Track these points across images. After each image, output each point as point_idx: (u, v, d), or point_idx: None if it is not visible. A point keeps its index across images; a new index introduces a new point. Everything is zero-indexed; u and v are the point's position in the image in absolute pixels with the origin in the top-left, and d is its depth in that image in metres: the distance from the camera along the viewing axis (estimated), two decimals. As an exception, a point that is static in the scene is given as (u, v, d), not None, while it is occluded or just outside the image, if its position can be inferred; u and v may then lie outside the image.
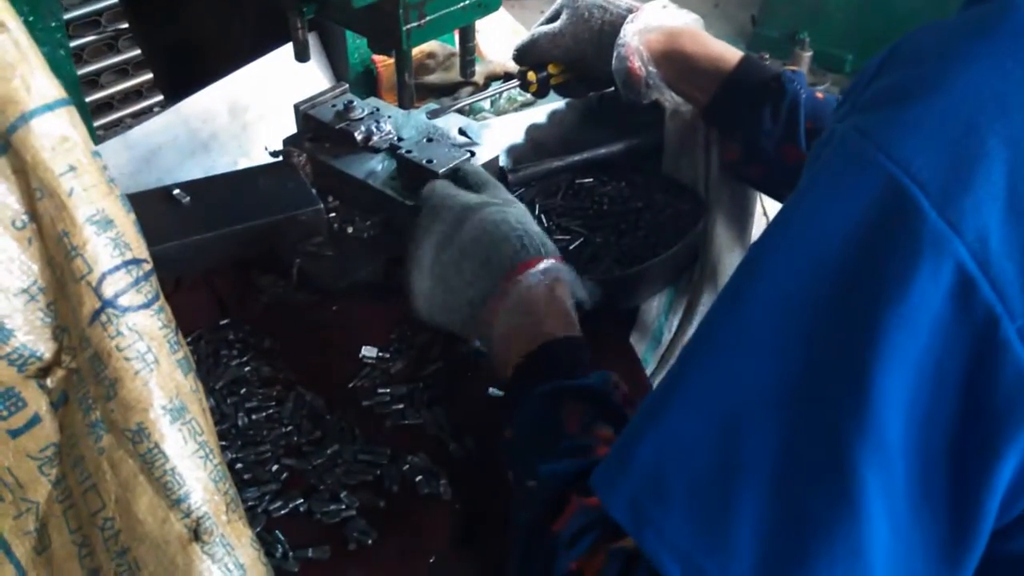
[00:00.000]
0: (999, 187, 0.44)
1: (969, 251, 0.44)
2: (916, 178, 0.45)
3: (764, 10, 4.32)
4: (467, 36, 0.98)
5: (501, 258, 0.82)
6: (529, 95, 1.38)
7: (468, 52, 0.99)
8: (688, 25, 1.09)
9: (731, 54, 1.05)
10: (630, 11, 1.08)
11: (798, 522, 0.48)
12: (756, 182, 1.11)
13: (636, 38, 1.05)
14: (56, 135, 0.60)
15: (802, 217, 0.51)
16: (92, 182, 0.61)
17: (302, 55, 0.98)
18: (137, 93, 2.68)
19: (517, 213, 0.87)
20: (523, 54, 1.15)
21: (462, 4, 0.89)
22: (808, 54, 3.81)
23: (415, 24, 0.86)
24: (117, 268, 0.61)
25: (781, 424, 0.50)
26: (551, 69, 1.14)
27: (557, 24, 1.12)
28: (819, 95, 1.02)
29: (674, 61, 1.06)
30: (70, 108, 0.61)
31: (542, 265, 0.82)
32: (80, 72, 2.45)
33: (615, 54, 1.06)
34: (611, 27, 1.07)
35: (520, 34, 1.48)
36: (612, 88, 1.12)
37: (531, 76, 1.14)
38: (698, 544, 0.51)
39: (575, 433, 0.69)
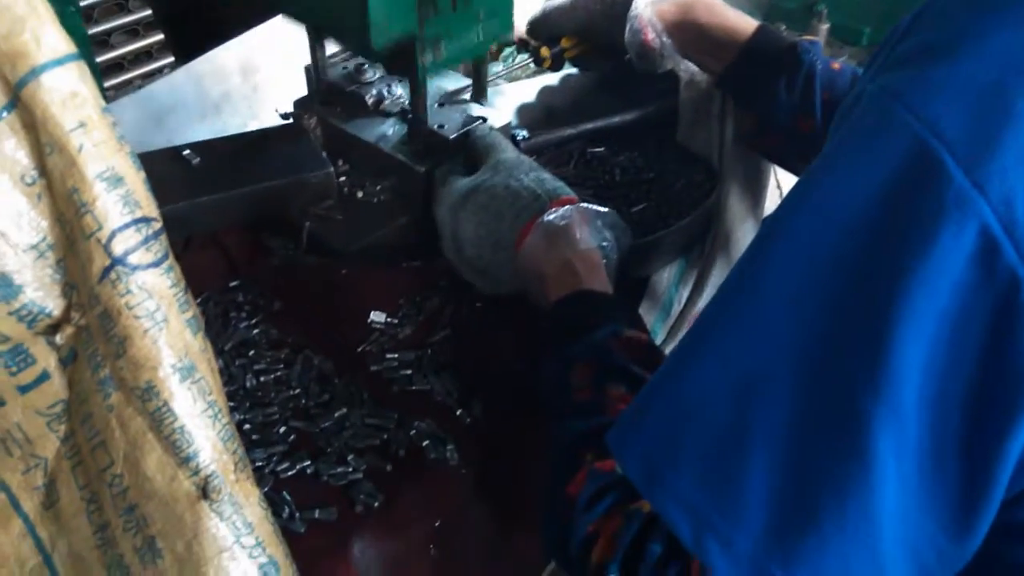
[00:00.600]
0: (1023, 152, 0.43)
1: (995, 213, 0.44)
2: (943, 138, 0.45)
3: None
4: (480, 65, 0.99)
5: (514, 215, 0.85)
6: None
7: (481, 79, 1.02)
8: None
9: (746, 24, 1.03)
10: None
11: (810, 482, 0.48)
12: (770, 153, 1.10)
13: (649, 9, 1.04)
14: (66, 90, 0.59)
15: (828, 176, 0.51)
16: (102, 138, 0.60)
17: None
18: (147, 54, 2.65)
19: (523, 169, 0.88)
20: (536, 28, 1.14)
21: (475, 34, 0.91)
22: (825, 26, 3.74)
23: (431, 58, 0.87)
24: (127, 226, 0.60)
25: (796, 385, 0.49)
26: (564, 43, 1.13)
27: None
28: (835, 65, 1.01)
29: (688, 31, 1.04)
30: (80, 63, 0.60)
31: (558, 209, 0.85)
32: (90, 32, 2.43)
33: (628, 26, 1.05)
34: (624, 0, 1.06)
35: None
36: (627, 56, 1.11)
37: (544, 52, 1.13)
38: (710, 502, 0.51)
39: (584, 392, 0.69)
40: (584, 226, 0.84)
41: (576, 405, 0.69)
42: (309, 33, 0.97)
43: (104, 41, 2.56)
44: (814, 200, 0.51)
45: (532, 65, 1.39)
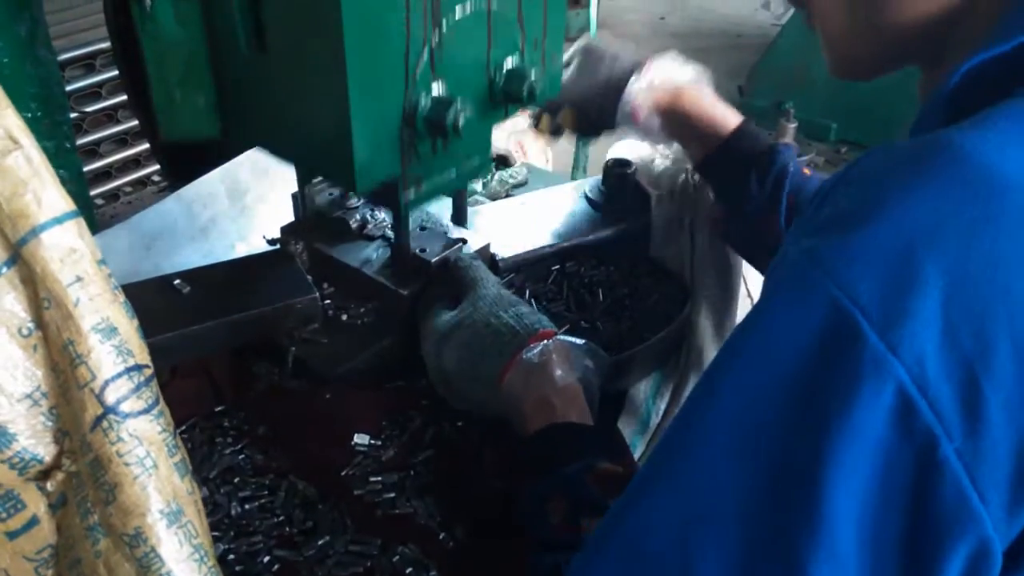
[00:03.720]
0: (935, 314, 0.46)
1: (909, 374, 0.46)
2: (858, 303, 0.47)
3: (751, 80, 4.43)
4: (460, 197, 1.05)
5: (496, 353, 0.88)
6: (517, 178, 1.42)
7: (461, 209, 1.08)
8: (692, 81, 1.14)
9: (730, 118, 1.11)
10: (636, 65, 1.14)
11: None
12: (737, 246, 1.16)
13: (640, 95, 1.12)
14: (65, 247, 0.62)
15: (754, 337, 0.54)
16: (98, 291, 0.63)
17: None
18: (135, 162, 2.72)
19: (502, 305, 0.92)
20: None
21: (455, 173, 0.96)
22: (793, 125, 3.91)
23: (412, 194, 0.92)
24: (120, 375, 0.63)
25: (738, 538, 0.51)
26: (563, 114, 1.19)
27: (569, 71, 1.17)
28: (806, 171, 1.07)
29: (675, 119, 1.12)
30: (79, 220, 0.64)
31: (537, 346, 0.88)
32: (81, 142, 2.50)
33: (619, 109, 1.13)
34: (618, 81, 1.13)
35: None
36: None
37: (544, 122, 1.20)
38: None
39: (558, 527, 0.71)
40: (562, 360, 0.87)
41: (551, 538, 0.71)
42: (298, 170, 1.02)
43: (93, 150, 2.62)
44: (742, 359, 0.54)
45: (509, 180, 1.45)
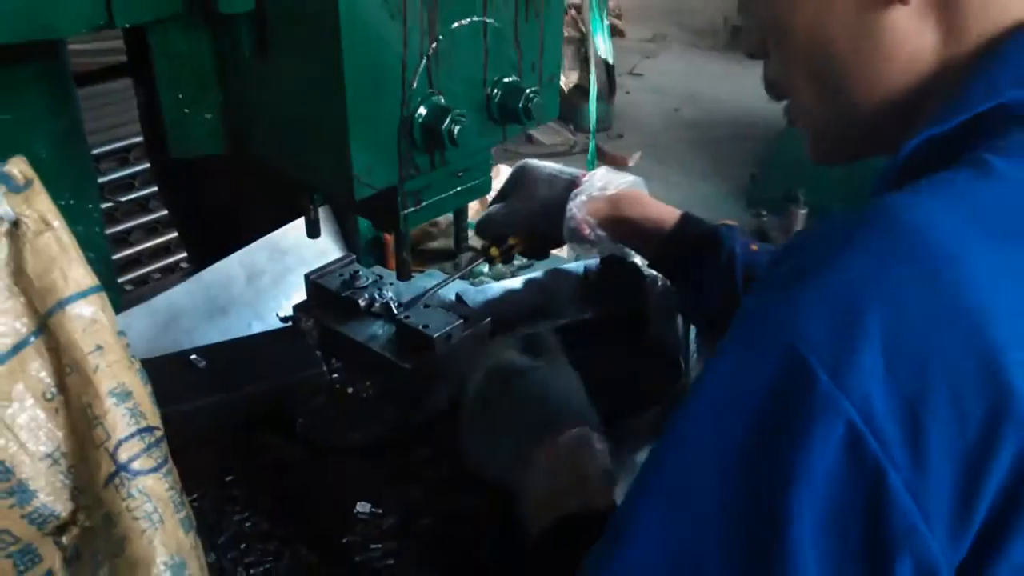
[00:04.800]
0: (877, 357, 0.51)
1: (857, 411, 0.51)
2: (811, 347, 0.52)
3: (762, 168, 4.54)
4: (460, 216, 1.08)
5: (543, 419, 0.90)
6: (523, 260, 1.49)
7: (462, 230, 1.10)
8: (627, 188, 1.19)
9: (670, 213, 1.17)
10: (574, 182, 1.20)
11: None
12: (701, 327, 1.20)
13: (582, 209, 1.17)
14: (87, 318, 0.69)
15: (716, 385, 0.58)
16: (115, 359, 0.69)
17: (313, 232, 1.08)
18: (165, 249, 2.83)
19: (563, 379, 0.96)
20: (483, 229, 1.25)
21: (455, 190, 1.00)
22: (803, 211, 3.99)
23: (412, 209, 0.96)
24: (132, 435, 0.68)
25: (717, 570, 0.55)
26: (511, 240, 1.24)
27: (509, 202, 1.23)
28: (753, 247, 1.12)
29: (619, 224, 1.18)
30: (101, 294, 0.70)
31: (576, 431, 0.88)
32: (113, 230, 2.62)
33: (565, 225, 1.17)
34: (559, 199, 1.19)
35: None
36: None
37: (494, 251, 1.24)
38: None
39: None
40: (595, 446, 0.88)
41: None
42: (298, 185, 1.03)
43: (124, 239, 2.74)
44: (704, 406, 0.59)
45: (515, 262, 1.52)
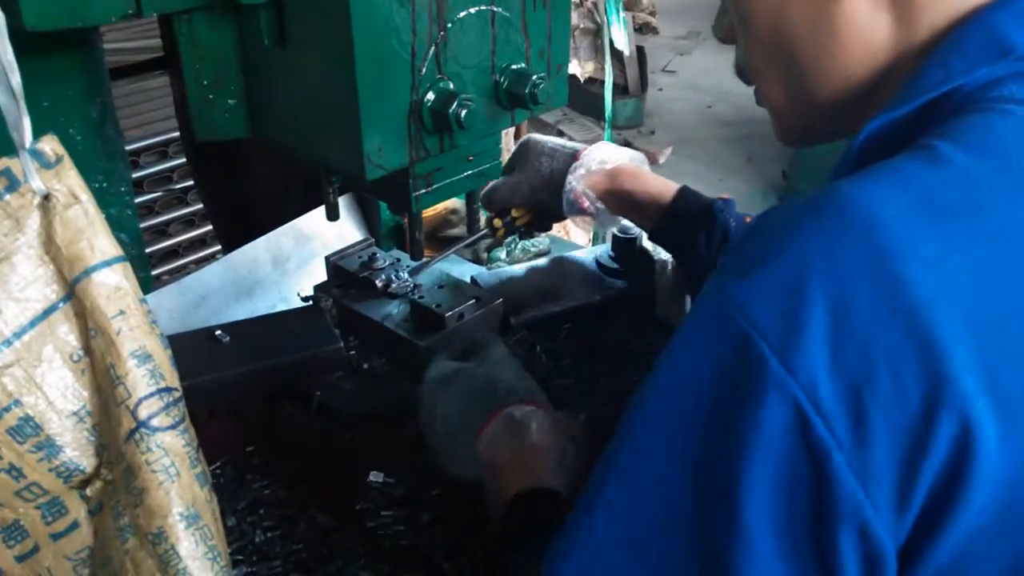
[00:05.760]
0: (823, 342, 0.53)
1: (804, 392, 0.53)
2: (760, 330, 0.54)
3: (794, 164, 4.51)
4: (472, 199, 1.12)
5: (485, 403, 0.93)
6: (539, 247, 1.52)
7: (473, 212, 1.14)
8: (627, 163, 1.22)
9: (668, 188, 1.19)
10: (575, 155, 1.23)
11: None
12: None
13: (580, 183, 1.20)
14: (112, 285, 0.73)
15: (675, 362, 0.60)
16: (137, 323, 0.74)
17: (332, 215, 1.13)
18: (201, 242, 2.91)
19: (507, 367, 0.99)
20: (488, 201, 1.28)
21: (465, 174, 1.04)
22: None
23: (423, 191, 1.00)
24: (152, 395, 0.73)
25: (674, 547, 0.58)
26: (515, 213, 1.28)
27: (514, 175, 1.26)
28: (748, 220, 1.14)
29: (618, 197, 1.21)
30: (125, 263, 0.75)
31: (524, 408, 0.92)
32: (152, 222, 2.71)
33: (564, 199, 1.21)
34: (560, 174, 1.22)
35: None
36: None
37: (497, 223, 1.28)
38: None
39: None
40: (545, 425, 0.91)
41: None
42: (313, 166, 1.07)
43: (163, 231, 2.83)
44: (665, 382, 0.61)
45: (532, 248, 1.55)
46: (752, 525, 0.54)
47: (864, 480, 0.53)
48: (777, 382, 0.53)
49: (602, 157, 1.22)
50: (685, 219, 1.16)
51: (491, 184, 1.28)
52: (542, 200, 1.25)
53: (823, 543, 0.54)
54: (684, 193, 1.18)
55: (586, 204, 1.20)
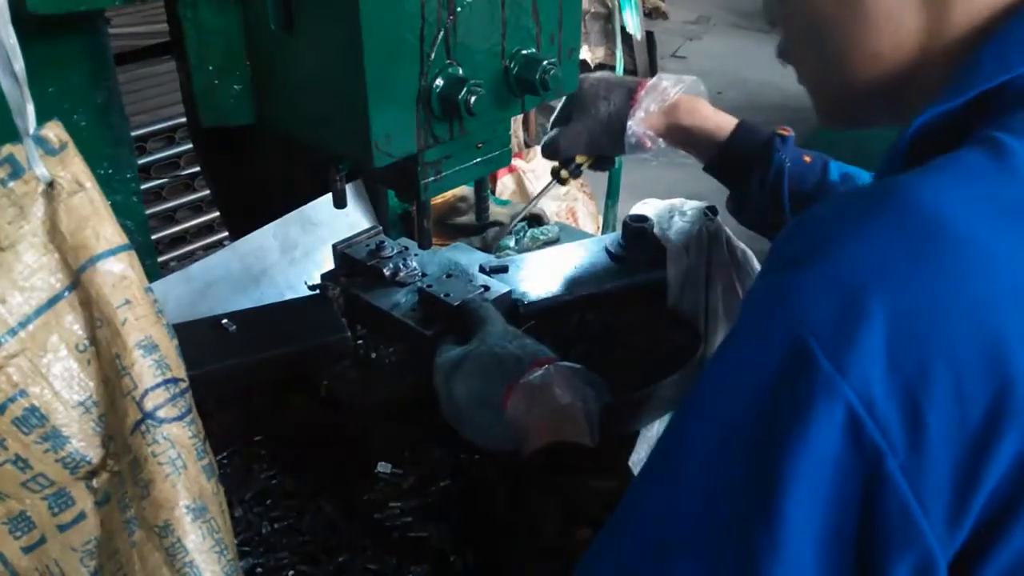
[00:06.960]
0: (880, 343, 0.51)
1: (856, 395, 0.50)
2: (813, 331, 0.52)
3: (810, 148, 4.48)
4: (481, 186, 1.11)
5: (503, 376, 0.95)
6: (548, 235, 1.51)
7: (482, 200, 1.12)
8: (687, 92, 1.23)
9: (725, 123, 1.20)
10: (631, 92, 1.22)
11: None
12: (752, 228, 1.25)
13: (641, 127, 1.21)
14: (117, 274, 0.72)
15: (727, 363, 0.59)
16: (143, 313, 0.73)
17: (339, 203, 1.12)
18: (209, 228, 2.89)
19: (507, 338, 1.00)
20: (550, 151, 1.29)
21: (474, 161, 1.02)
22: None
23: (432, 179, 0.99)
24: (158, 385, 0.72)
25: (710, 547, 0.56)
26: (579, 159, 1.30)
27: (573, 123, 1.26)
28: (807, 158, 1.13)
29: (676, 132, 1.22)
30: (130, 252, 0.74)
31: (538, 371, 0.95)
32: (159, 209, 2.70)
33: (626, 142, 1.22)
34: (617, 116, 1.22)
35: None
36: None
37: (564, 174, 1.30)
38: None
39: (552, 536, 0.77)
40: (562, 383, 0.94)
41: (545, 546, 0.77)
42: (321, 153, 1.06)
43: (170, 217, 2.81)
44: (717, 382, 0.59)
45: (540, 237, 1.54)
46: (792, 533, 0.52)
47: (918, 489, 0.50)
48: (828, 383, 0.51)
49: (661, 93, 1.22)
50: (740, 157, 1.17)
51: (551, 134, 1.28)
52: (602, 143, 1.25)
53: (868, 556, 0.52)
54: (741, 129, 1.19)
55: (648, 144, 1.22)
